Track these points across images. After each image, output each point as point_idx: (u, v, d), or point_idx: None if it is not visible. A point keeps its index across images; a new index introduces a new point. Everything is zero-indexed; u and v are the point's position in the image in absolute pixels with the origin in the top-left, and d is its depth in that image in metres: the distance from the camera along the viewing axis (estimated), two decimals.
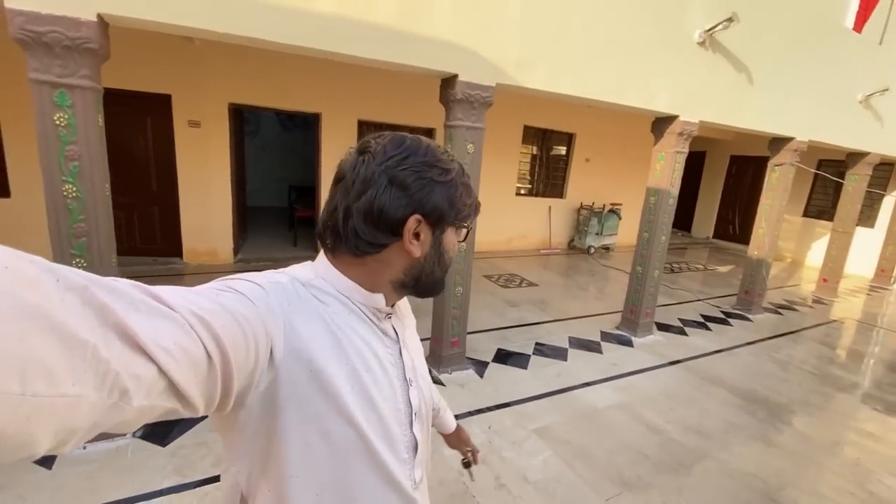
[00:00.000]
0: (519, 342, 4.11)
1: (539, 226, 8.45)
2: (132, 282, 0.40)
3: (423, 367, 0.82)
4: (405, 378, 0.74)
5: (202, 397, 0.45)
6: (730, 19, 3.58)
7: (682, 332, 4.82)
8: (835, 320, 5.87)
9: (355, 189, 0.64)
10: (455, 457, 2.45)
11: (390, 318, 0.74)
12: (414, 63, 2.73)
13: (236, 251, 6.04)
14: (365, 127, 6.42)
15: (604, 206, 8.51)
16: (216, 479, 2.22)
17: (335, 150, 6.13)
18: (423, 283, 0.71)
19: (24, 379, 0.28)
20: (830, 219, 7.89)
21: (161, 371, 0.38)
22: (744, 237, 9.85)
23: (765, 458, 2.80)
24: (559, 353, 3.99)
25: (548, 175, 8.47)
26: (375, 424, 0.67)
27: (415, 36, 2.68)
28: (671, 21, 3.70)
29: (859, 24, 5.06)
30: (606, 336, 4.49)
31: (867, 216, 8.30)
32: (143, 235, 5.57)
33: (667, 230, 4.38)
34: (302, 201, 7.90)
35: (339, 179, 0.67)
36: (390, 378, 0.71)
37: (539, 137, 8.13)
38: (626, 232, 8.63)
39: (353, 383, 0.64)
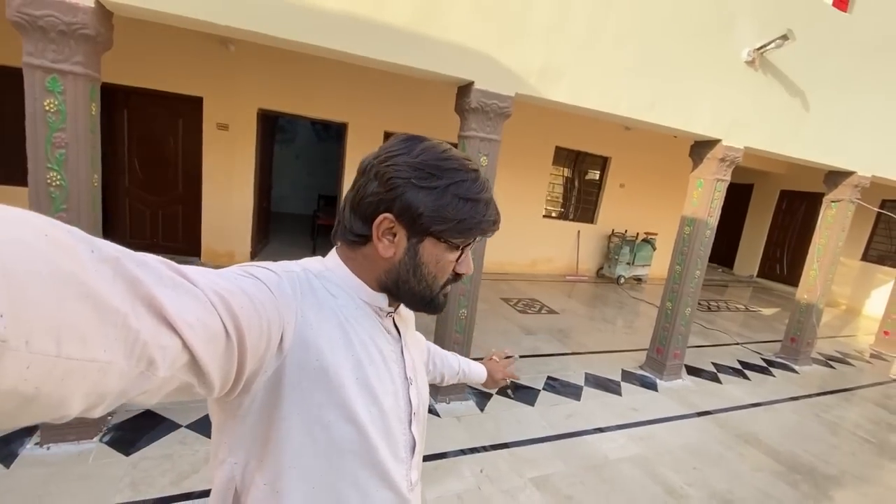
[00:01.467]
0: (529, 374, 3.78)
1: (566, 251, 8.08)
2: (160, 258, 0.41)
3: (422, 367, 0.84)
4: (406, 376, 0.74)
5: (219, 375, 0.45)
6: (784, 37, 3.24)
7: (715, 379, 4.34)
8: None
9: (355, 181, 0.68)
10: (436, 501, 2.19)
11: (391, 316, 0.74)
12: (427, 67, 2.56)
13: (254, 255, 6.02)
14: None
15: (637, 234, 8.05)
16: (171, 499, 2.04)
17: (359, 159, 5.99)
18: (404, 291, 0.69)
19: (59, 341, 0.29)
20: (894, 265, 7.17)
21: (185, 345, 0.39)
22: (792, 278, 9.11)
23: None
24: (572, 391, 3.64)
25: (578, 199, 8.11)
26: (377, 418, 0.66)
27: (429, 39, 2.52)
28: (717, 36, 3.39)
29: None
30: (628, 376, 4.09)
31: None
32: (166, 233, 5.65)
33: (702, 264, 3.98)
34: (326, 209, 7.87)
35: None
36: (392, 374, 0.71)
37: (571, 160, 7.83)
38: (661, 264, 8.09)
39: (358, 375, 0.64)
